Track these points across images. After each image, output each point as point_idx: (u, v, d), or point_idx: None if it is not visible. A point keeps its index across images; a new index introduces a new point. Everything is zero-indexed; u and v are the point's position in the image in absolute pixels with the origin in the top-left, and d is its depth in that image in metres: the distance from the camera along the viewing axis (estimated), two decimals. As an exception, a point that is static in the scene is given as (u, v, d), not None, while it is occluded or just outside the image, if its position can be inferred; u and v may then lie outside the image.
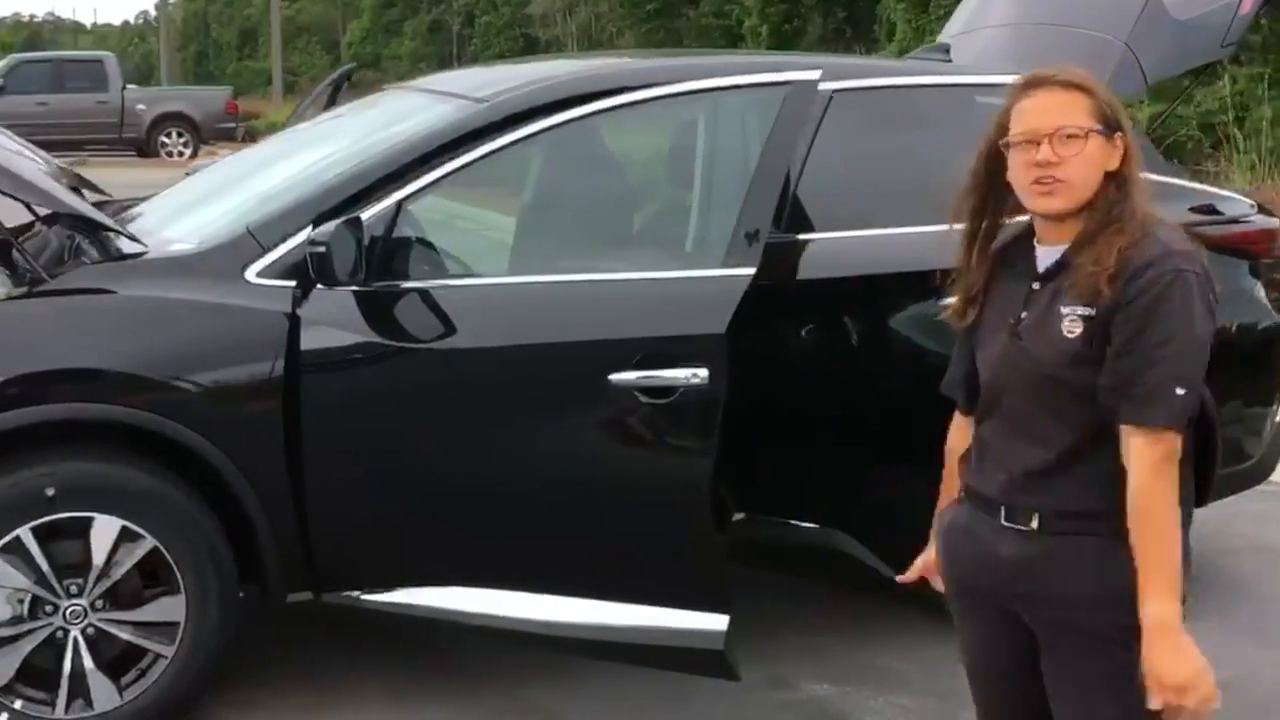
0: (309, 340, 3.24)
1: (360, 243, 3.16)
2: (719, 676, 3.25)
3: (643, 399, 3.14)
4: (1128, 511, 2.04)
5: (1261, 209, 4.40)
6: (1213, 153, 15.26)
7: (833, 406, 3.66)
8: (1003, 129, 2.17)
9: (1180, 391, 2.02)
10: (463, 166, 3.40)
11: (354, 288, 3.22)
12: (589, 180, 3.65)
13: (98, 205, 4.09)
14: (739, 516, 3.82)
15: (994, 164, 2.20)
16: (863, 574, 3.68)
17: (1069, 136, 2.08)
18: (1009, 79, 3.88)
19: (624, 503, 3.22)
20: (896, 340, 3.69)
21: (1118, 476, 2.07)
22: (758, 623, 4.15)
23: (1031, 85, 2.16)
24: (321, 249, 3.07)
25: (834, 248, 3.74)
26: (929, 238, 3.67)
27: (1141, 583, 2.02)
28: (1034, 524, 2.14)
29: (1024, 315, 2.14)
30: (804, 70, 3.45)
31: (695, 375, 3.11)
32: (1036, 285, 2.16)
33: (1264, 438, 4.25)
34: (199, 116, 22.29)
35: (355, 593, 3.37)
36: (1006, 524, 2.16)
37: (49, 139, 21.04)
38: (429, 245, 3.49)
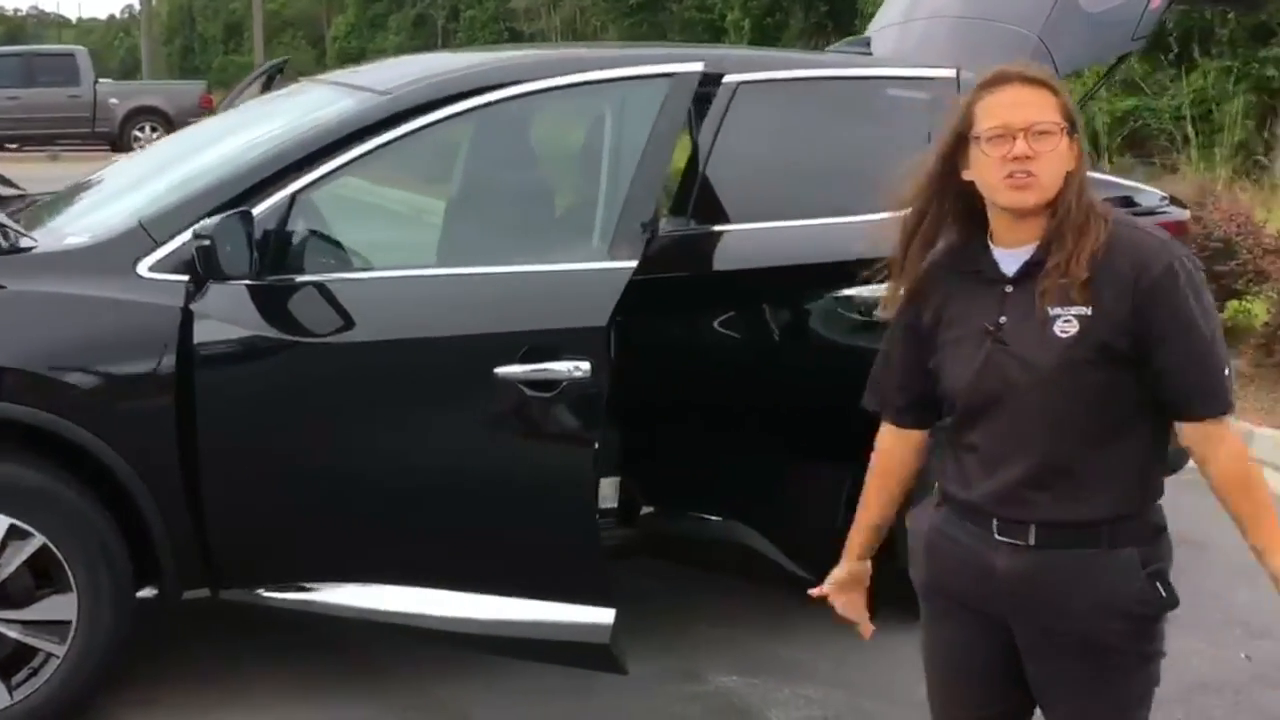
0: (202, 335, 3.22)
1: (250, 236, 3.15)
2: (606, 670, 3.25)
3: (528, 392, 3.14)
4: (1226, 487, 2.09)
5: (1174, 201, 4.40)
6: (1185, 146, 15.32)
7: (739, 399, 3.65)
8: (964, 125, 2.13)
9: (1227, 372, 2.09)
10: (359, 158, 3.38)
11: (246, 282, 3.21)
12: (482, 174, 3.65)
13: (4, 200, 4.08)
14: (648, 510, 3.83)
15: (951, 161, 2.16)
16: (767, 568, 3.68)
17: (1042, 132, 2.06)
18: (922, 71, 3.95)
19: (510, 497, 3.22)
20: (802, 333, 3.68)
21: (1112, 484, 2.09)
22: (671, 615, 4.18)
23: (999, 81, 2.13)
24: (206, 242, 3.06)
25: (742, 239, 3.73)
26: (838, 229, 3.70)
27: (1266, 541, 2.09)
28: (1030, 539, 2.12)
29: (1003, 320, 2.11)
30: (687, 63, 3.44)
31: (577, 368, 3.11)
32: (1009, 288, 2.13)
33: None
34: (172, 111, 22.16)
35: (254, 590, 3.36)
36: (1000, 538, 2.13)
37: (21, 133, 21.19)
38: (326, 239, 3.48)
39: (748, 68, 3.78)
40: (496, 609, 3.24)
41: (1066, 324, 2.06)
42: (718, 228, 3.74)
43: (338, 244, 3.51)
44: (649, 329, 3.70)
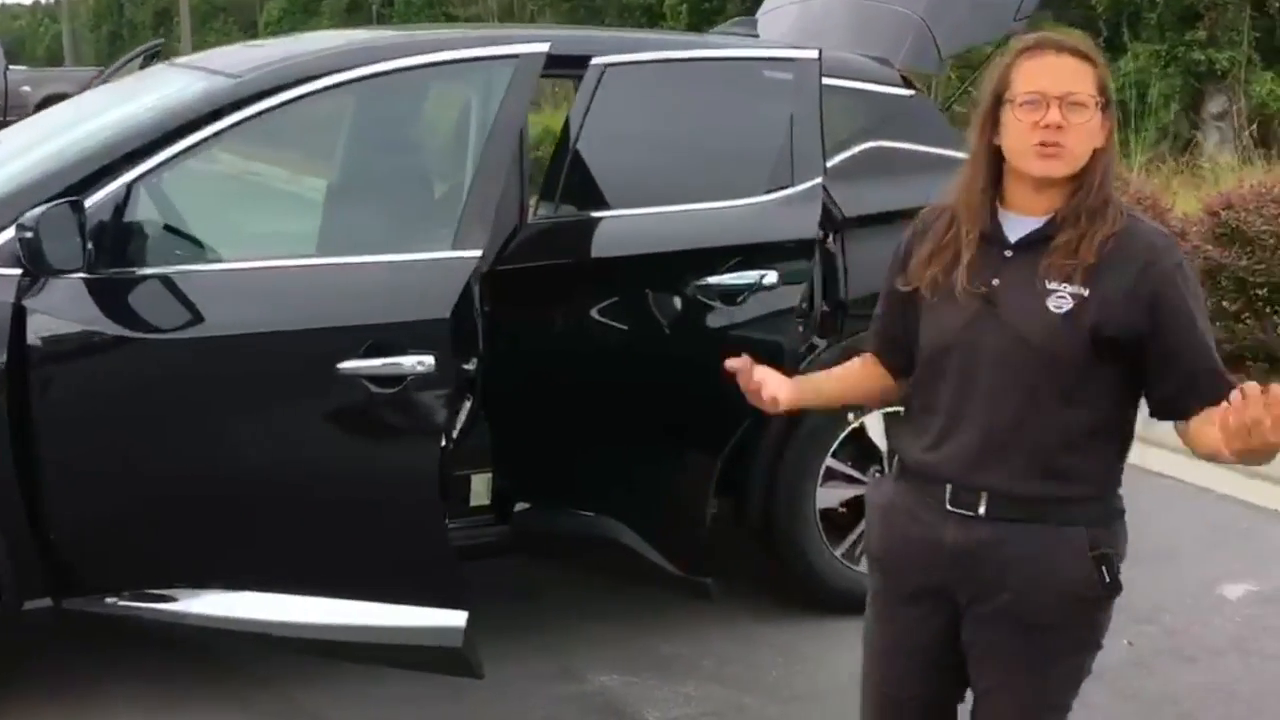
0: (36, 331, 3.06)
1: (83, 227, 3.00)
2: (461, 675, 3.14)
3: (372, 388, 3.01)
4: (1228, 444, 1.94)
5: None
6: (1119, 129, 15.38)
7: (607, 391, 3.54)
8: (1000, 87, 2.12)
9: (1221, 368, 2.08)
10: (203, 142, 3.23)
11: (81, 275, 3.06)
12: (332, 160, 3.51)
13: None
14: (522, 506, 3.71)
15: (990, 123, 2.14)
16: (640, 565, 3.57)
17: (1076, 103, 2.05)
18: (786, 52, 3.84)
19: (357, 497, 3.09)
20: (668, 322, 3.55)
21: (1069, 464, 2.09)
22: (548, 613, 4.07)
23: (1040, 46, 2.11)
24: (29, 234, 2.91)
25: (610, 227, 3.62)
26: (703, 215, 3.60)
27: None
28: (980, 509, 2.11)
29: (995, 283, 2.10)
30: (533, 44, 3.31)
31: (421, 363, 2.98)
32: (1009, 253, 2.12)
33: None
34: (86, 96, 21.70)
35: (99, 598, 3.22)
36: (951, 508, 2.13)
37: (-70, 121, 20.65)
38: (172, 229, 3.33)
39: (615, 49, 3.66)
40: (349, 614, 3.11)
41: (1061, 300, 2.05)
42: (586, 214, 3.63)
43: (185, 234, 3.36)
44: (517, 319, 3.59)
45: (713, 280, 3.39)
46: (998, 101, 2.11)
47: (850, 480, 4.10)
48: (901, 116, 4.18)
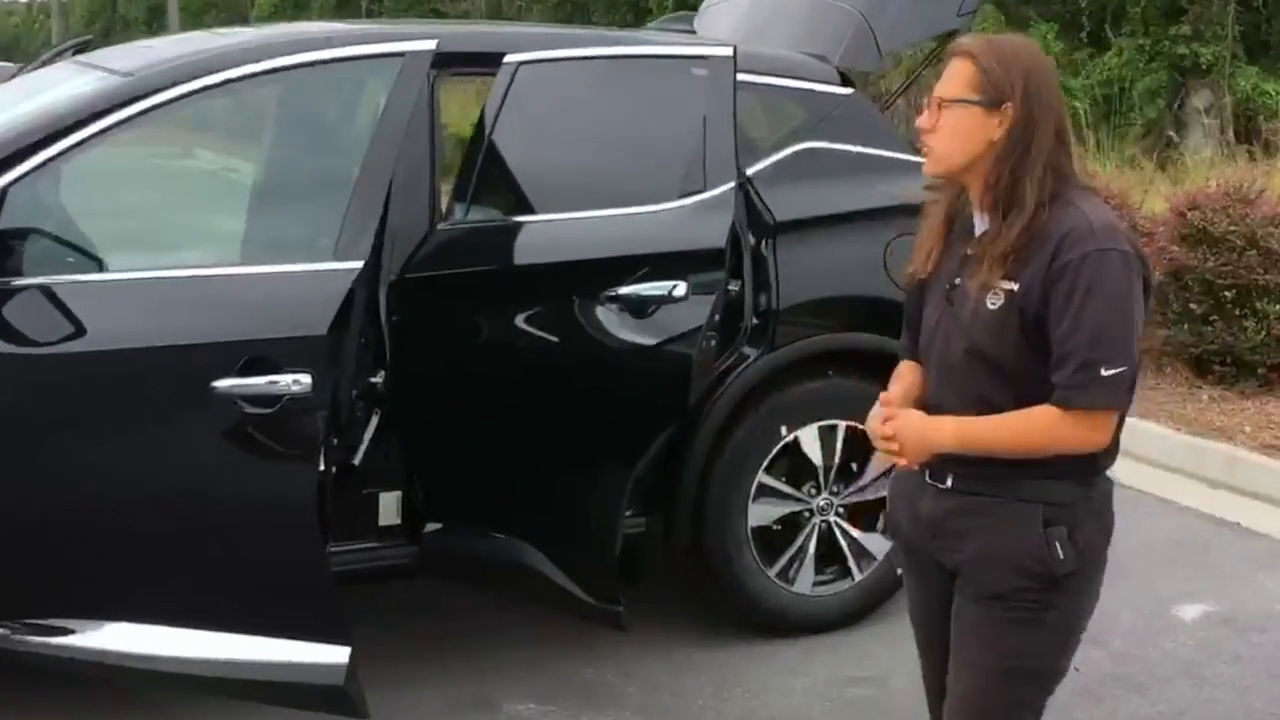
0: (-101, 346, 2.88)
1: None
2: (344, 714, 2.95)
3: (247, 409, 2.82)
4: (1020, 411, 2.11)
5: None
6: (1104, 124, 15.21)
7: (515, 407, 3.36)
8: None
9: (1106, 373, 2.06)
10: (88, 140, 3.04)
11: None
12: (223, 164, 3.32)
13: None
14: (434, 526, 3.53)
15: None
16: (552, 591, 3.39)
17: (943, 105, 2.15)
18: (713, 50, 3.64)
19: (233, 524, 2.90)
20: (577, 336, 3.35)
21: None
22: (464, 638, 3.89)
23: (950, 53, 2.22)
24: None
25: (520, 233, 3.44)
26: (619, 221, 3.41)
27: (967, 419, 2.14)
28: (949, 482, 2.22)
29: (957, 281, 2.19)
30: (420, 41, 3.12)
31: (297, 382, 2.79)
32: (970, 250, 2.21)
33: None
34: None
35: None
36: (929, 482, 2.26)
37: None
38: (45, 236, 3.12)
39: (527, 46, 3.48)
40: (230, 648, 2.92)
41: (995, 296, 2.13)
42: (498, 221, 3.45)
43: (62, 242, 3.16)
44: (424, 330, 3.40)
45: (622, 291, 3.20)
46: None
47: (785, 497, 3.92)
48: (839, 116, 3.99)
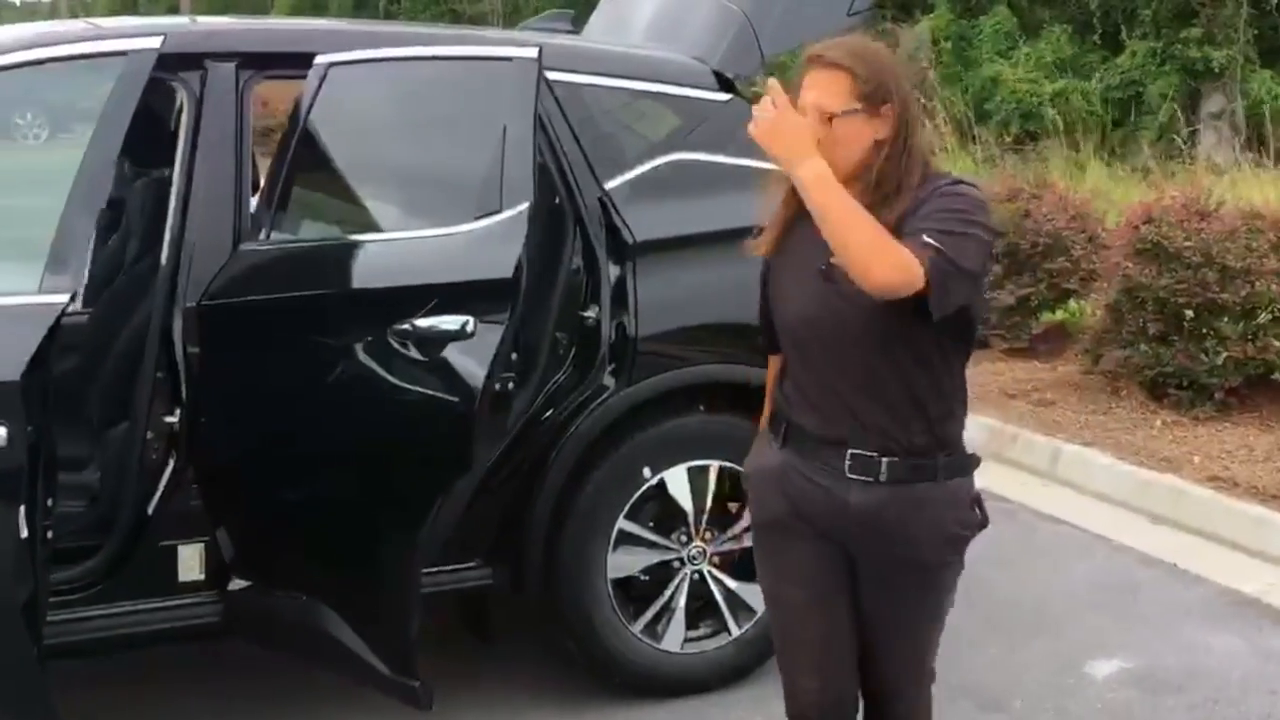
0: None
1: None
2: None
3: None
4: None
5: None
6: (1116, 129, 14.77)
7: (308, 450, 3.01)
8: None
9: (928, 240, 2.13)
10: None
11: None
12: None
13: None
14: (240, 584, 3.18)
15: None
16: (349, 661, 3.02)
17: (829, 119, 2.23)
18: (516, 51, 3.20)
19: None
20: (367, 374, 2.95)
21: (929, 417, 2.30)
22: (282, 704, 3.54)
23: (808, 61, 2.30)
24: None
25: (318, 257, 3.10)
26: (417, 245, 3.01)
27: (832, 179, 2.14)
28: (881, 476, 2.30)
29: (832, 258, 2.18)
30: (144, 38, 2.76)
31: None
32: None
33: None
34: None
35: None
36: (853, 476, 2.32)
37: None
38: None
39: (347, 45, 3.13)
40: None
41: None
42: (295, 242, 3.11)
43: None
44: (220, 364, 3.06)
45: (409, 325, 2.83)
46: None
47: (650, 545, 3.56)
48: (712, 125, 3.63)
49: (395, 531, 2.87)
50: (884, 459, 2.29)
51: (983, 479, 2.44)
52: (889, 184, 2.23)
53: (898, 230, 2.16)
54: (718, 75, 3.72)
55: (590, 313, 3.47)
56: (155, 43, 2.76)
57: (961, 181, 2.28)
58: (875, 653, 2.46)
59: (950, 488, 2.34)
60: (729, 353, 3.53)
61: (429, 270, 2.87)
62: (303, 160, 3.07)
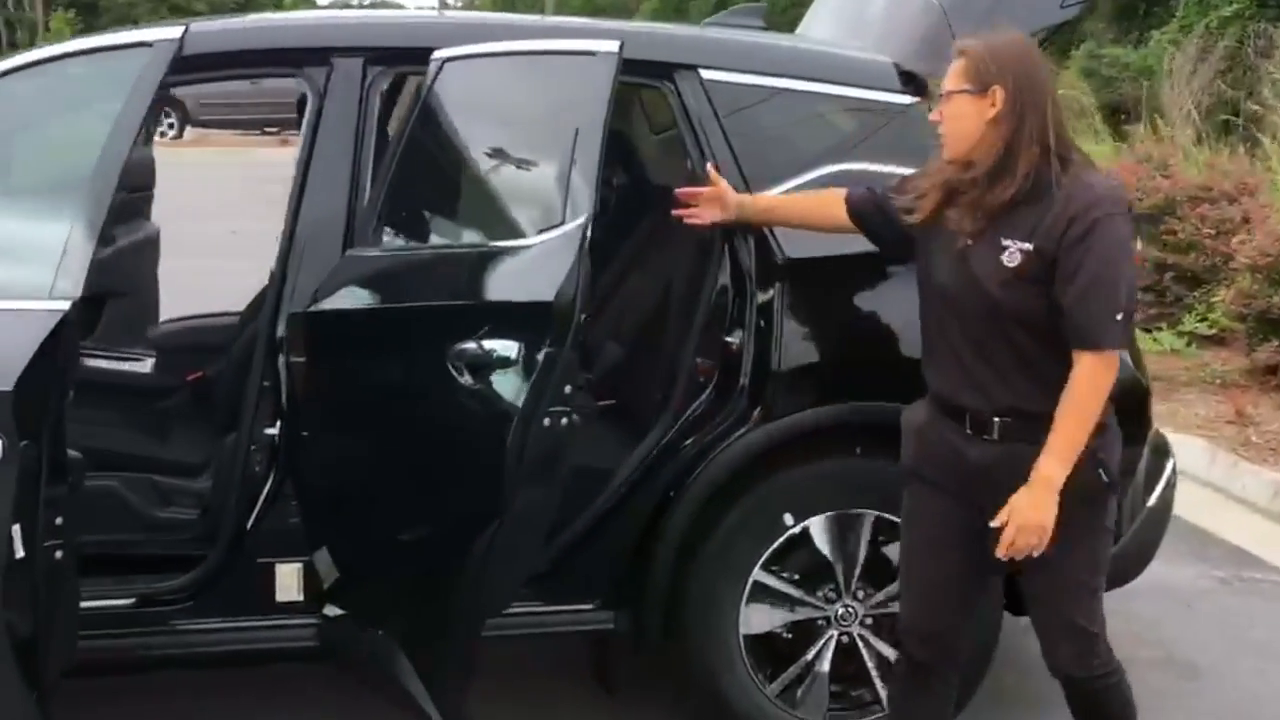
0: None
1: None
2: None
3: None
4: (1063, 398, 2.44)
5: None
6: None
7: (389, 476, 2.77)
8: None
9: (1118, 318, 2.42)
10: None
11: None
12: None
13: None
14: (335, 612, 2.99)
15: None
16: (408, 703, 2.77)
17: (944, 98, 2.55)
18: (598, 46, 2.76)
19: None
20: (429, 398, 2.71)
21: (1051, 384, 2.46)
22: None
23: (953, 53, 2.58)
24: None
25: (417, 264, 2.88)
26: (489, 258, 2.70)
27: (1049, 446, 2.44)
28: (995, 434, 2.53)
29: (969, 242, 2.50)
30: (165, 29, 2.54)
31: None
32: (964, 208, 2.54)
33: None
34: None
35: None
36: (971, 432, 2.56)
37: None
38: None
39: (448, 40, 2.89)
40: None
41: (1012, 255, 2.45)
42: (407, 251, 2.89)
43: None
44: (322, 377, 2.88)
45: (465, 347, 2.55)
46: None
47: (792, 602, 3.18)
48: (887, 132, 3.22)
49: (452, 573, 2.60)
50: (996, 419, 2.52)
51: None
52: (993, 161, 2.46)
53: (1033, 232, 2.43)
54: (905, 74, 3.31)
55: (734, 337, 3.13)
56: (176, 33, 2.53)
57: (1114, 199, 2.46)
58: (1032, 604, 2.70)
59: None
60: (887, 388, 3.09)
61: (488, 288, 2.62)
62: (404, 162, 2.83)
